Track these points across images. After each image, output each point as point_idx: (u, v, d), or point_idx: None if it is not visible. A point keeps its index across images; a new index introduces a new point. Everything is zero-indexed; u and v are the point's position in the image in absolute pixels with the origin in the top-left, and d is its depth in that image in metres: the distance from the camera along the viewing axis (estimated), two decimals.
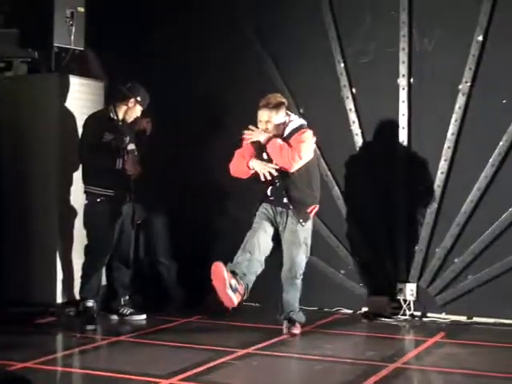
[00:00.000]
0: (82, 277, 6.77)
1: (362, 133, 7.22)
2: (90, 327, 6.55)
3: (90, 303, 6.68)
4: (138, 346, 6.02)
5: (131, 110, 6.80)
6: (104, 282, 7.14)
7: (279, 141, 6.26)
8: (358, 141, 7.23)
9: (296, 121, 6.46)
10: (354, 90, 7.26)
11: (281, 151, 6.19)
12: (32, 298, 6.99)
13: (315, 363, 5.50)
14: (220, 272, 5.90)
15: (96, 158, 6.64)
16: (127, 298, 7.07)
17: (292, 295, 6.37)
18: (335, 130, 7.31)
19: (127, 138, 6.80)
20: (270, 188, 6.37)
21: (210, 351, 5.71)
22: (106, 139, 6.66)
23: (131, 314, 6.97)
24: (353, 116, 7.24)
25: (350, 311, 7.29)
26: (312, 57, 7.40)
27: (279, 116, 6.32)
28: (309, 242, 6.40)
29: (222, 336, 6.17)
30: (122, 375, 5.05)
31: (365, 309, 7.15)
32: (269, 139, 6.25)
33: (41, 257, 6.97)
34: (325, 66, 7.33)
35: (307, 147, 6.30)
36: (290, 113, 6.49)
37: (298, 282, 6.38)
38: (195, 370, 5.18)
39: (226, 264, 6.00)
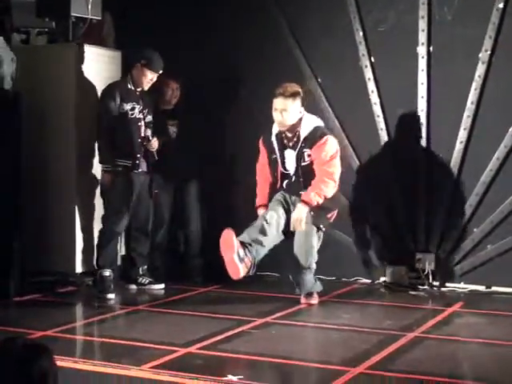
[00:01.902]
0: (98, 246, 6.82)
1: (381, 102, 7.17)
2: (107, 296, 6.59)
3: (107, 272, 6.70)
4: (156, 316, 6.06)
5: (140, 76, 6.73)
6: (123, 251, 7.20)
7: (312, 195, 6.14)
8: (377, 110, 7.18)
9: (310, 120, 6.29)
10: (372, 59, 7.20)
11: (321, 196, 6.15)
12: (52, 267, 7.03)
13: (333, 332, 5.51)
14: (229, 239, 5.87)
15: (107, 129, 6.66)
16: (145, 267, 7.10)
17: (308, 277, 6.38)
18: (353, 99, 7.27)
19: (137, 107, 6.76)
20: (285, 182, 6.34)
21: (229, 320, 5.74)
22: (123, 110, 6.67)
23: (150, 283, 7.00)
24: (371, 85, 7.19)
25: (368, 281, 7.29)
26: (330, 26, 7.33)
27: (295, 105, 6.18)
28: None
29: (240, 305, 6.19)
30: (141, 343, 5.08)
31: (383, 278, 7.15)
32: (307, 204, 6.14)
33: (60, 227, 6.99)
34: (343, 35, 7.27)
35: (338, 163, 6.24)
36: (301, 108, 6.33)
37: (313, 267, 6.38)
38: (213, 339, 5.20)
39: (237, 234, 6.00)
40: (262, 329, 5.57)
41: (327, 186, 6.17)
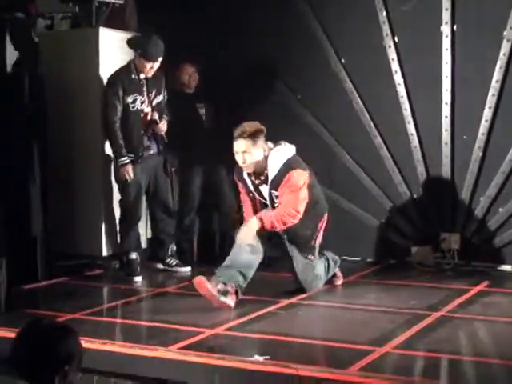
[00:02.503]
0: (120, 231, 6.87)
1: (405, 82, 7.13)
2: (134, 279, 6.65)
3: (134, 255, 6.76)
4: (183, 297, 6.08)
5: (140, 65, 6.65)
6: (149, 234, 7.24)
7: (270, 214, 5.84)
8: (401, 90, 7.14)
9: (277, 157, 5.92)
10: (396, 39, 7.16)
11: (280, 222, 5.79)
12: (78, 251, 7.10)
13: (358, 313, 5.53)
14: (202, 284, 5.55)
15: (114, 122, 6.65)
16: (174, 248, 7.13)
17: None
18: (377, 79, 7.24)
19: (139, 97, 6.70)
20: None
21: (254, 302, 5.75)
22: (125, 102, 6.64)
23: (177, 265, 7.03)
24: (395, 65, 7.15)
25: (393, 261, 7.28)
26: (353, 6, 7.30)
27: (257, 146, 5.86)
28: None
29: (265, 286, 6.20)
30: (168, 325, 5.14)
31: (408, 258, 7.14)
32: (261, 222, 5.77)
33: (87, 210, 7.03)
34: (366, 15, 7.21)
35: (302, 195, 5.87)
36: (268, 143, 5.98)
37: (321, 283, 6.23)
38: (240, 320, 5.26)
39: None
40: (287, 310, 5.60)
41: (289, 213, 5.80)
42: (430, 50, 6.99)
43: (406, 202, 7.22)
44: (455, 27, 6.91)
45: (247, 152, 5.85)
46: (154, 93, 6.80)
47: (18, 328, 2.70)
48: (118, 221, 6.92)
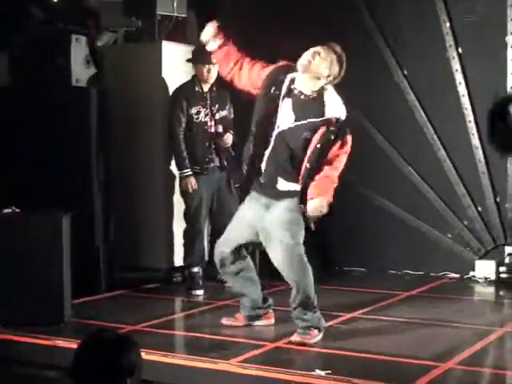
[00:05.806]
0: (184, 244, 6.87)
1: (469, 94, 7.04)
2: (196, 292, 6.66)
3: (196, 269, 6.76)
4: None
5: (199, 74, 6.66)
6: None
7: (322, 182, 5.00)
8: (465, 102, 7.05)
9: (337, 105, 5.10)
10: (459, 50, 7.07)
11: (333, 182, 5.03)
12: (140, 263, 7.15)
13: (422, 327, 5.45)
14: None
15: (178, 134, 6.66)
16: None
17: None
18: (440, 91, 7.16)
19: (202, 110, 6.69)
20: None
21: None
22: (189, 114, 6.63)
23: None
24: (459, 77, 7.06)
25: (457, 275, 7.16)
26: (416, 16, 7.24)
27: (332, 65, 5.01)
28: None
29: (327, 300, 6.13)
30: (229, 338, 5.14)
31: (472, 273, 7.02)
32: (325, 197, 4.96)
33: (148, 224, 7.11)
34: (429, 26, 7.16)
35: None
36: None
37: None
38: None
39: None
40: (349, 324, 5.54)
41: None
42: (495, 61, 6.90)
43: (471, 215, 7.10)
44: None
45: (321, 58, 4.98)
46: (217, 106, 6.80)
47: (80, 339, 2.69)
48: (182, 234, 6.93)
